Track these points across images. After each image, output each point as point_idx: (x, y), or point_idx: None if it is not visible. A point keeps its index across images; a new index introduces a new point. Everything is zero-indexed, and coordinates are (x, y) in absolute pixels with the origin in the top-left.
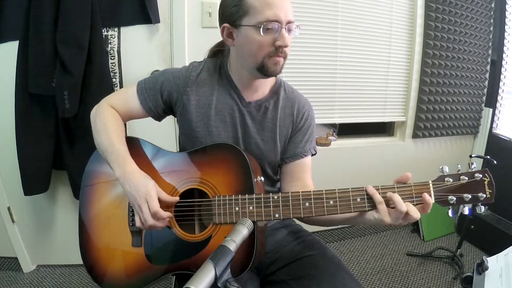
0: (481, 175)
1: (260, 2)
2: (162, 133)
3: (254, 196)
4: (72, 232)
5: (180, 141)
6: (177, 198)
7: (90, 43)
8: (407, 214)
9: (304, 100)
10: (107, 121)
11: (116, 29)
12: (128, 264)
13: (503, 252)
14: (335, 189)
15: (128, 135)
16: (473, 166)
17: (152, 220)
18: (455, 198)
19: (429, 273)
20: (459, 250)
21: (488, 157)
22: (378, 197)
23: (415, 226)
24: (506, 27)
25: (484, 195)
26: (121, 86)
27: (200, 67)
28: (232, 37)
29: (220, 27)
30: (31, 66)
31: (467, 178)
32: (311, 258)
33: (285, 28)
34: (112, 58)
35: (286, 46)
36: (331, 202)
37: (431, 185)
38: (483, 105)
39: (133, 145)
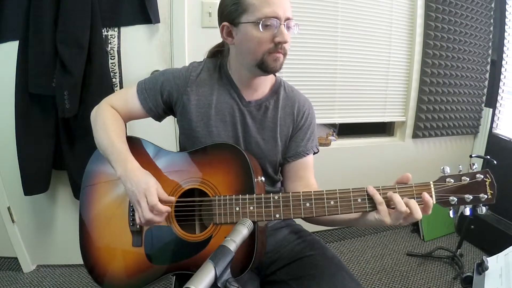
0: (482, 176)
1: (258, 0)
2: (162, 133)
3: (254, 196)
4: (72, 232)
5: (180, 141)
6: (173, 198)
7: (90, 43)
8: (408, 214)
9: (304, 99)
10: (107, 120)
11: (116, 29)
12: (128, 264)
13: (503, 252)
14: (336, 190)
15: (128, 135)
16: (474, 167)
17: (150, 214)
18: (456, 199)
19: (429, 273)
20: (459, 250)
21: (488, 157)
22: (378, 197)
23: (415, 226)
24: (506, 27)
25: (486, 196)
26: (121, 86)
27: (200, 67)
28: (231, 35)
29: (219, 27)
30: (31, 66)
31: (468, 179)
32: (311, 258)
33: (284, 25)
34: (112, 58)
35: (285, 42)
36: (332, 202)
37: (432, 185)
38: (483, 105)
39: (134, 144)
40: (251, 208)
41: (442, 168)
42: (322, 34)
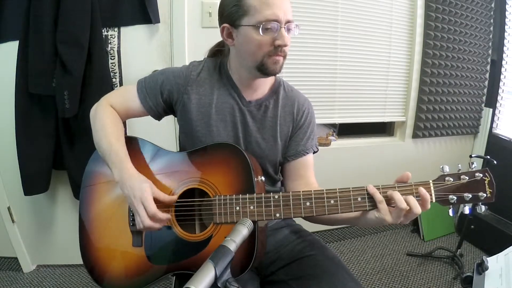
0: (481, 175)
1: (259, 2)
2: (162, 133)
3: (254, 195)
4: (72, 232)
5: (180, 140)
6: (175, 198)
7: (90, 43)
8: (408, 211)
9: (304, 98)
10: (106, 119)
11: (116, 29)
12: (128, 264)
13: (503, 252)
14: (336, 189)
15: (128, 134)
16: (473, 166)
17: (149, 222)
18: (455, 198)
19: (429, 273)
20: (459, 250)
21: (488, 157)
22: (378, 196)
23: (415, 226)
24: (506, 27)
25: (485, 195)
26: (121, 86)
27: (200, 67)
28: (231, 37)
29: (220, 27)
30: (31, 66)
31: (467, 178)
32: (311, 258)
33: (284, 28)
34: (112, 58)
35: (285, 46)
36: (332, 201)
37: (431, 184)
38: (483, 105)
39: (133, 145)
40: (251, 207)
41: (441, 167)
42: (322, 34)
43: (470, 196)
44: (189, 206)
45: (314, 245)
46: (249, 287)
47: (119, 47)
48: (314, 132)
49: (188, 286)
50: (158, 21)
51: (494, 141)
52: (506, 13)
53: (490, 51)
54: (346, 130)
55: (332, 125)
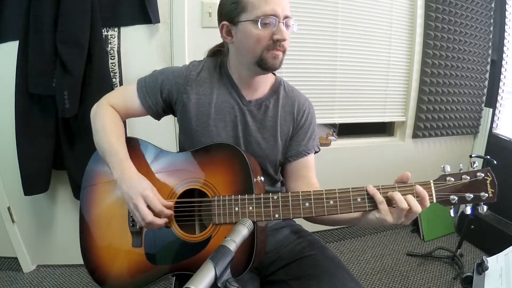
0: (483, 174)
1: None
2: (162, 133)
3: (253, 196)
4: (72, 232)
5: (180, 140)
6: (171, 203)
7: (90, 43)
8: (409, 210)
9: (304, 98)
10: (107, 119)
11: (116, 29)
12: (128, 264)
13: (503, 252)
14: (335, 189)
15: (128, 135)
16: (475, 165)
17: (150, 217)
18: (457, 198)
19: (429, 273)
20: (459, 250)
21: (488, 157)
22: (379, 196)
23: (415, 226)
24: (506, 27)
25: (486, 195)
26: (121, 86)
27: (200, 66)
28: (231, 34)
29: (219, 26)
30: (31, 66)
31: (469, 178)
32: (311, 258)
33: (283, 23)
34: (112, 58)
35: (284, 40)
36: (331, 202)
37: (432, 184)
38: (483, 105)
39: (133, 145)
40: (251, 208)
41: (442, 166)
42: (322, 34)
43: (472, 196)
44: (188, 207)
45: (314, 245)
46: (249, 287)
47: (119, 47)
48: (315, 132)
49: (188, 286)
50: (158, 21)
51: (494, 141)
52: (506, 13)
53: (490, 51)
54: (346, 130)
55: (332, 125)
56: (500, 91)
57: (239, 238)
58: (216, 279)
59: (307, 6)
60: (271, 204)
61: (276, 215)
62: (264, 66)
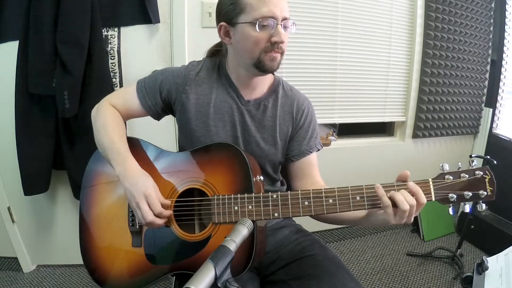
0: (481, 173)
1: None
2: (162, 133)
3: (253, 195)
4: (72, 232)
5: (179, 140)
6: (169, 202)
7: (90, 43)
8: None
9: (303, 98)
10: (108, 120)
11: (116, 29)
12: (128, 264)
13: (503, 252)
14: (334, 188)
15: (128, 135)
16: (473, 164)
17: (151, 217)
18: (455, 196)
19: (429, 273)
20: (459, 250)
21: (488, 157)
22: (386, 200)
23: (415, 226)
24: (506, 27)
25: (485, 193)
26: (121, 86)
27: (199, 66)
28: (229, 35)
29: (217, 26)
30: (31, 66)
31: (467, 176)
32: (311, 258)
33: (281, 25)
34: (112, 58)
35: (282, 42)
36: (331, 200)
37: (431, 183)
38: (483, 105)
39: (133, 145)
40: (250, 207)
41: (441, 165)
42: (322, 34)
43: (470, 194)
44: (188, 206)
45: (314, 245)
46: (249, 287)
47: (119, 47)
48: (316, 131)
49: (188, 286)
50: (158, 21)
51: (494, 141)
52: (506, 13)
53: (490, 51)
54: (346, 130)
55: (332, 125)
56: (500, 91)
57: (239, 238)
58: (216, 279)
59: (307, 6)
60: (270, 203)
61: (276, 214)
62: (262, 68)
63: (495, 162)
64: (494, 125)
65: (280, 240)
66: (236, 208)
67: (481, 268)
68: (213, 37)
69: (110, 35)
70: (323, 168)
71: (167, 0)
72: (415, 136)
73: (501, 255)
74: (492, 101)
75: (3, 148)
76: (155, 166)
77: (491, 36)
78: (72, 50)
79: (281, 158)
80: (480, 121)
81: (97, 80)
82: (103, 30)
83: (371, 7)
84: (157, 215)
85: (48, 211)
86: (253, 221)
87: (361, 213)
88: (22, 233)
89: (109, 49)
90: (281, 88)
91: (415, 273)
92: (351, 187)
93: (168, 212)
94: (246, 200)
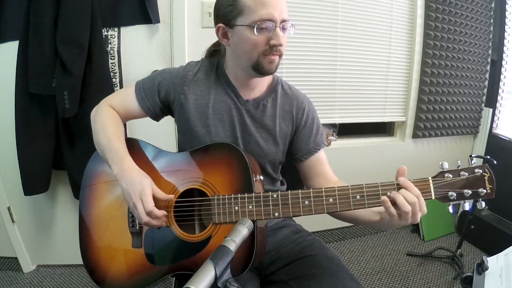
0: (481, 171)
1: (254, 2)
2: (162, 134)
3: (253, 195)
4: (72, 232)
5: (179, 141)
6: (171, 196)
7: (90, 43)
8: (414, 211)
9: (302, 96)
10: (106, 121)
11: (116, 29)
12: (128, 265)
13: (503, 252)
14: (335, 187)
15: (128, 136)
16: (473, 162)
17: (146, 218)
18: (455, 194)
19: (429, 273)
20: (459, 250)
21: (488, 157)
22: (392, 211)
23: (415, 226)
24: (506, 27)
25: (485, 191)
26: (121, 86)
27: (198, 67)
28: (227, 37)
29: (215, 27)
30: (31, 66)
31: (467, 174)
32: (311, 258)
33: (280, 27)
34: (112, 58)
35: (280, 45)
36: (331, 200)
37: (430, 181)
38: (483, 105)
39: (132, 146)
40: (250, 207)
41: (440, 163)
42: (322, 34)
43: (470, 192)
44: (188, 206)
45: (314, 245)
46: (249, 287)
47: (119, 47)
48: (320, 127)
49: (188, 286)
50: (158, 21)
51: (494, 141)
52: (506, 13)
53: (490, 51)
54: (346, 130)
55: (332, 125)
56: (500, 91)
57: (239, 238)
58: (216, 279)
59: (307, 6)
60: (270, 202)
61: (276, 214)
62: (260, 70)
63: (495, 162)
64: (494, 125)
65: (280, 240)
66: (236, 208)
67: (481, 268)
68: (213, 37)
69: (110, 35)
70: None
71: (167, 0)
72: (415, 136)
73: (501, 255)
74: (492, 101)
75: (3, 148)
76: (154, 166)
77: (491, 36)
78: (72, 50)
79: (281, 157)
80: (480, 121)
81: (97, 80)
82: (103, 30)
83: (371, 7)
84: (148, 214)
85: (48, 211)
86: (253, 221)
87: (375, 217)
88: (22, 233)
89: (109, 49)
90: (280, 88)
91: (415, 273)
92: (351, 186)
93: (160, 213)
94: (246, 200)
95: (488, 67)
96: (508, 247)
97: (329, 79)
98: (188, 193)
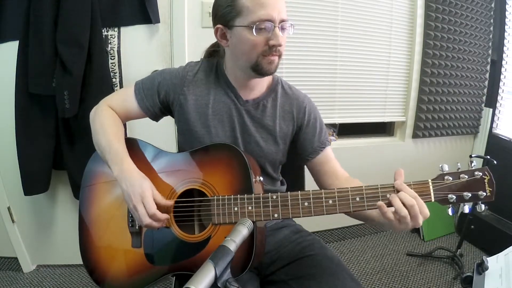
0: (481, 173)
1: (252, 2)
2: (162, 134)
3: (253, 196)
4: (72, 232)
5: (179, 141)
6: (171, 202)
7: (90, 43)
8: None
9: (303, 96)
10: (106, 121)
11: (116, 29)
12: (128, 265)
13: (503, 252)
14: (334, 189)
15: (127, 136)
16: (473, 165)
17: (148, 220)
18: (455, 197)
19: (429, 273)
20: (459, 250)
21: (488, 157)
22: (390, 215)
23: None
24: (506, 27)
25: (484, 194)
26: (121, 86)
27: (197, 67)
28: (226, 38)
29: (213, 28)
30: (31, 66)
31: (467, 177)
32: (311, 258)
33: (279, 27)
34: (112, 58)
35: (279, 45)
36: (330, 201)
37: (430, 183)
38: (483, 105)
39: (132, 146)
40: (250, 208)
41: (440, 166)
42: (322, 34)
43: (470, 195)
44: (188, 207)
45: (314, 245)
46: (249, 287)
47: (119, 47)
48: (323, 125)
49: (188, 286)
50: (158, 21)
51: (494, 141)
52: (506, 13)
53: (490, 51)
54: (346, 130)
55: (332, 125)
56: (500, 91)
57: (239, 238)
58: (216, 279)
59: (307, 6)
60: (270, 204)
61: (275, 215)
62: (259, 71)
63: (495, 162)
64: (494, 125)
65: (280, 240)
66: (236, 209)
67: (481, 268)
68: (213, 37)
69: (110, 35)
70: None
71: (167, 0)
72: (415, 136)
73: (501, 255)
74: (492, 101)
75: (3, 148)
76: (154, 166)
77: (491, 36)
78: (72, 50)
79: (281, 157)
80: (480, 121)
81: (97, 80)
82: (103, 30)
83: (371, 7)
84: (151, 217)
85: (48, 211)
86: (253, 221)
87: (374, 215)
88: (22, 233)
89: (109, 49)
90: (280, 87)
91: (415, 273)
92: (350, 187)
93: (163, 216)
94: (246, 201)
95: (488, 67)
96: (508, 247)
97: (329, 79)
98: (188, 193)
